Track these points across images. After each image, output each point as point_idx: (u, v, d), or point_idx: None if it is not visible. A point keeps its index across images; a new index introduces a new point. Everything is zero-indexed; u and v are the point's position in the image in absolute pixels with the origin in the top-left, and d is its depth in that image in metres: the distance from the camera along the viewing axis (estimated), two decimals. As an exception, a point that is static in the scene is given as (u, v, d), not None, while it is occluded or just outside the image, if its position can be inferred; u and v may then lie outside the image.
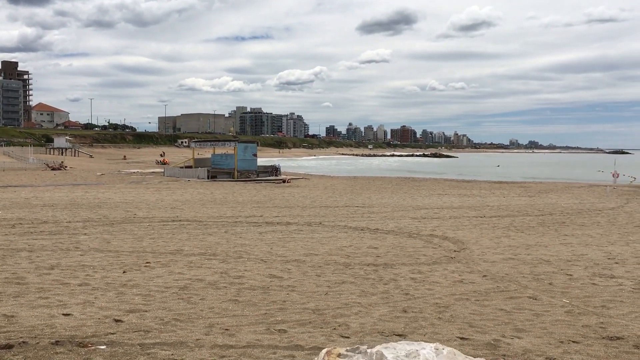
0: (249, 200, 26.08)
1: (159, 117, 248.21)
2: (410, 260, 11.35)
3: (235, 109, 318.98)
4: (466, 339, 6.12)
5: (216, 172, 41.96)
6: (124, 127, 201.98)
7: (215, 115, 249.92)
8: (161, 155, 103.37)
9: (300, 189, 35.58)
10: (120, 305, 7.31)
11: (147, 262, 10.47)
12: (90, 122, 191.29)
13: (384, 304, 7.66)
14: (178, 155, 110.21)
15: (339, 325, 6.57)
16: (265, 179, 42.66)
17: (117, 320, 6.58)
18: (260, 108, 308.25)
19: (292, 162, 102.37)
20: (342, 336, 6.15)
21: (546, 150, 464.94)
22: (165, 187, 33.20)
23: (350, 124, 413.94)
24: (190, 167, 45.29)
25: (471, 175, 62.38)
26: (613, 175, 51.24)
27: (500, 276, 9.79)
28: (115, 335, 6.02)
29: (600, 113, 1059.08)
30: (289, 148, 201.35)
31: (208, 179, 40.52)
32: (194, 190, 31.17)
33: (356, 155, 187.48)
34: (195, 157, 46.50)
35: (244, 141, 46.02)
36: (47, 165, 52.02)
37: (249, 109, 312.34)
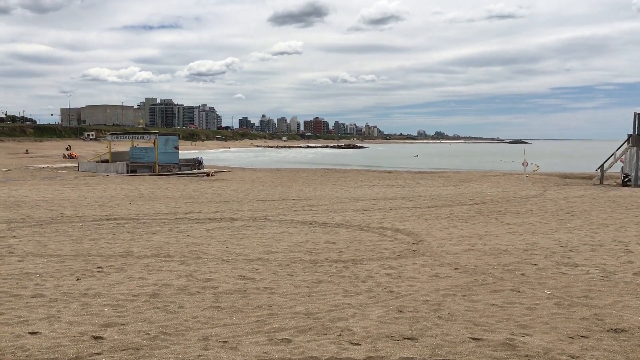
0: (179, 195, 25.00)
1: (62, 109, 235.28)
2: (375, 255, 11.11)
3: (144, 101, 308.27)
4: (479, 339, 5.91)
5: (136, 166, 40.12)
6: (23, 119, 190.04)
7: (123, 107, 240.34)
8: (67, 148, 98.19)
9: (227, 182, 34.69)
10: (91, 318, 6.54)
11: (98, 267, 9.58)
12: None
13: (375, 304, 7.34)
14: (85, 148, 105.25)
15: (341, 331, 6.17)
16: (188, 172, 41.32)
17: (96, 337, 5.85)
18: (171, 99, 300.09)
19: (207, 154, 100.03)
20: (352, 343, 5.77)
21: (452, 141, 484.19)
22: (84, 183, 31.28)
23: (263, 116, 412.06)
24: (107, 161, 43.02)
25: (392, 166, 63.56)
26: (523, 164, 53.91)
27: (471, 268, 9.74)
28: (102, 356, 5.32)
29: (499, 105, 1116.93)
30: (202, 140, 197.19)
31: (128, 173, 38.68)
32: (116, 186, 29.54)
33: (271, 147, 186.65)
34: (112, 150, 44.20)
35: (164, 134, 44.28)
36: (-57, 160, 47.74)
37: (159, 101, 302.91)
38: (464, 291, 8.08)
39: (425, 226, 15.39)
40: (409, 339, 5.90)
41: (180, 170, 41.82)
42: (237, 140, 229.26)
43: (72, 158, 69.60)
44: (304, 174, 43.95)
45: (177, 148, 42.49)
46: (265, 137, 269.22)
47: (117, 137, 45.98)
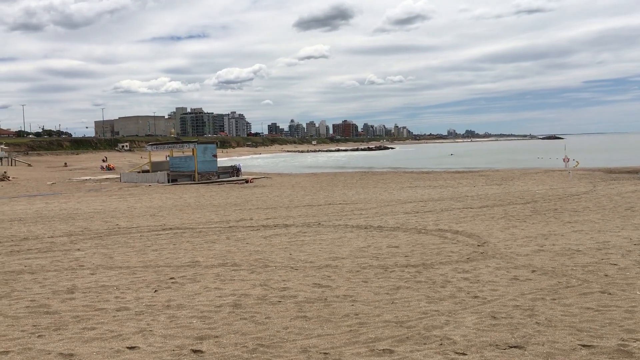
0: (224, 203, 25.09)
1: (96, 122, 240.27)
2: (443, 258, 10.89)
3: (174, 110, 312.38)
4: (589, 346, 5.67)
5: (176, 175, 40.50)
6: (60, 133, 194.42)
7: (155, 117, 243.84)
8: (103, 160, 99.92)
9: (268, 188, 34.72)
10: (183, 331, 6.49)
11: (171, 278, 9.58)
12: (22, 129, 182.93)
13: (463, 310, 7.14)
14: (120, 159, 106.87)
15: (441, 340, 5.99)
16: (227, 180, 41.52)
17: (195, 351, 5.79)
18: (201, 108, 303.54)
19: (239, 161, 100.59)
20: (457, 353, 5.58)
21: (483, 139, 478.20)
22: (129, 194, 31.67)
23: (292, 121, 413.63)
24: (147, 171, 43.54)
25: (427, 166, 62.96)
26: (564, 160, 52.75)
27: (549, 270, 9.44)
28: (208, 370, 5.24)
29: (530, 100, 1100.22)
30: (233, 147, 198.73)
31: (169, 182, 39.07)
32: (160, 196, 29.84)
33: (301, 151, 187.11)
34: (152, 160, 44.72)
35: (203, 142, 44.63)
36: (-11, 176, 48.91)
37: (189, 110, 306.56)
38: (551, 295, 7.82)
39: (483, 227, 15.08)
40: (515, 347, 5.69)
41: (219, 177, 42.06)
42: (267, 146, 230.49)
43: (110, 169, 70.76)
44: (342, 178, 43.78)
45: (215, 156, 42.76)
46: (294, 142, 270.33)
47: (156, 148, 46.50)
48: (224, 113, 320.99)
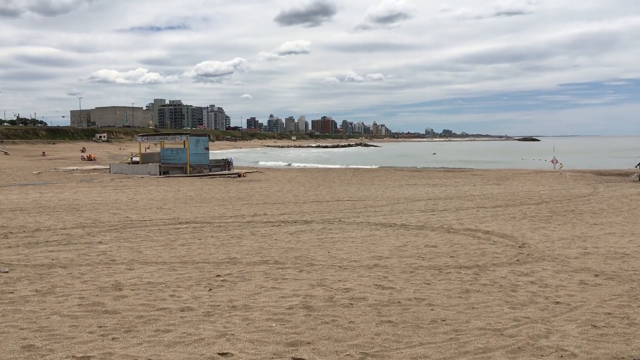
0: (227, 197, 24.46)
1: (72, 111, 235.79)
2: (491, 259, 10.53)
3: (152, 102, 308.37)
4: None
5: (168, 167, 39.60)
6: (35, 121, 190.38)
7: (133, 109, 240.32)
8: (82, 150, 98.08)
9: (264, 183, 34.12)
10: (268, 335, 5.99)
11: (217, 276, 9.05)
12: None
13: (555, 317, 6.76)
14: (98, 150, 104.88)
15: (556, 351, 5.59)
16: (219, 173, 40.79)
17: (296, 359, 5.29)
18: (180, 100, 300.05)
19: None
20: (583, 364, 5.19)
21: (460, 139, 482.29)
22: (122, 185, 30.79)
23: (271, 116, 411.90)
24: (137, 162, 42.55)
25: (415, 165, 62.86)
26: (552, 161, 53.01)
27: (612, 275, 9.14)
28: (325, 381, 4.76)
29: (507, 102, 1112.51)
30: (212, 141, 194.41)
31: (160, 174, 38.19)
32: (156, 188, 29.04)
33: (281, 146, 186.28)
34: (138, 152, 43.70)
35: (195, 134, 43.72)
36: (-31, 163, 47.39)
37: (167, 102, 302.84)
38: (635, 301, 7.48)
39: (510, 227, 14.78)
40: (641, 358, 5.31)
41: (210, 171, 41.30)
42: (246, 140, 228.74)
43: (92, 160, 69.32)
44: (334, 174, 43.32)
45: (207, 149, 41.96)
46: (274, 137, 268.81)
47: (146, 139, 45.46)
48: (202, 106, 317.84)
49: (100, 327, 6.26)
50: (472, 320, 6.64)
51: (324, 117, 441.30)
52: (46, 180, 33.53)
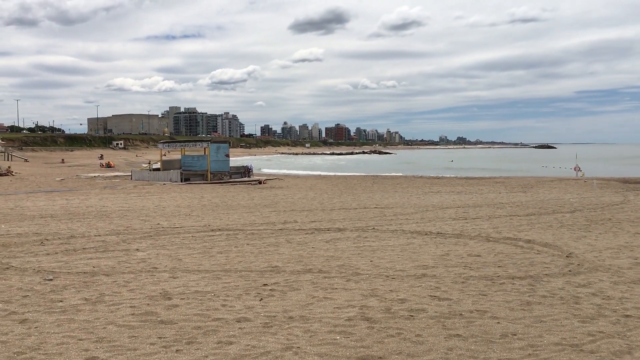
0: (252, 204, 24.29)
1: (89, 119, 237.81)
2: (542, 270, 10.21)
3: (168, 109, 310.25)
4: None
5: (189, 174, 39.56)
6: (53, 129, 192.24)
7: (149, 116, 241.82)
8: (100, 157, 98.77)
9: (286, 190, 33.92)
10: (336, 349, 5.75)
11: (264, 285, 8.82)
12: (15, 124, 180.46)
13: (630, 332, 6.46)
14: (117, 157, 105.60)
15: (643, 365, 5.29)
16: (240, 180, 40.66)
17: (372, 374, 5.04)
18: (195, 108, 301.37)
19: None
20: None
21: (475, 146, 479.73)
22: (146, 192, 30.75)
23: (285, 123, 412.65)
24: (158, 169, 42.55)
25: (432, 172, 62.39)
26: (575, 169, 52.31)
27: (673, 285, 8.78)
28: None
29: (522, 109, 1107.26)
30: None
31: (181, 181, 38.15)
32: (180, 195, 28.96)
33: (296, 154, 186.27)
34: (163, 159, 43.72)
35: (216, 141, 43.67)
36: (-8, 170, 47.66)
37: (182, 109, 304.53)
38: None
39: (550, 236, 14.43)
40: None
41: (231, 177, 41.19)
42: (260, 147, 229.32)
43: (110, 167, 69.59)
44: (355, 181, 43.04)
45: (227, 156, 41.90)
46: (288, 144, 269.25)
47: (168, 146, 45.52)
48: (217, 113, 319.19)
49: (160, 338, 6.06)
50: (544, 334, 6.35)
51: (338, 124, 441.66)
52: (70, 187, 33.60)
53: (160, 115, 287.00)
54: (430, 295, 8.18)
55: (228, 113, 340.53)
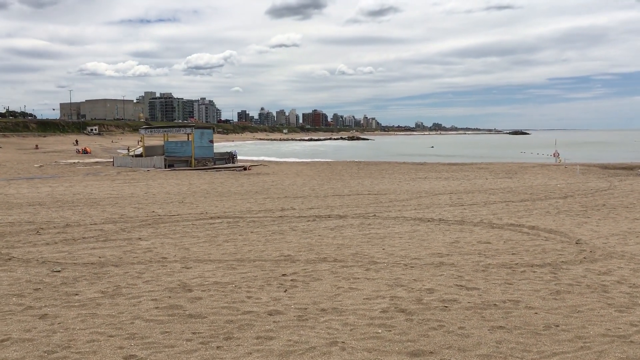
0: (243, 190, 23.93)
1: (62, 104, 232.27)
2: (557, 257, 10.13)
3: (143, 95, 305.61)
4: None
5: (173, 160, 38.92)
6: (24, 114, 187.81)
7: (124, 101, 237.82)
8: (75, 143, 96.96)
9: (273, 176, 33.57)
10: (382, 343, 5.52)
11: (283, 275, 8.57)
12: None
13: (670, 319, 6.35)
14: (91, 143, 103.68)
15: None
16: (224, 166, 40.16)
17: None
18: (171, 93, 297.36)
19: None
20: None
21: (451, 132, 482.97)
22: (131, 179, 30.12)
23: (262, 109, 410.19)
24: (140, 155, 41.78)
25: (415, 157, 62.52)
26: (554, 155, 52.83)
27: (693, 272, 8.76)
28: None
29: (496, 95, 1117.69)
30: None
31: (165, 167, 37.52)
32: (166, 181, 28.42)
33: (273, 139, 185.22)
34: (139, 145, 42.85)
35: (200, 127, 42.98)
36: (-34, 156, 46.35)
37: (158, 94, 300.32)
38: None
39: (552, 223, 14.40)
40: None
41: (215, 164, 40.67)
42: (238, 133, 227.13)
43: (87, 153, 68.25)
44: (340, 167, 42.87)
45: (211, 141, 41.33)
46: (265, 130, 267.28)
47: (150, 132, 44.66)
48: (193, 99, 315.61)
49: (194, 333, 5.77)
50: (586, 325, 6.22)
51: (315, 110, 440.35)
52: (51, 174, 32.76)
53: (135, 101, 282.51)
54: (457, 285, 8.01)
55: (205, 99, 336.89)
